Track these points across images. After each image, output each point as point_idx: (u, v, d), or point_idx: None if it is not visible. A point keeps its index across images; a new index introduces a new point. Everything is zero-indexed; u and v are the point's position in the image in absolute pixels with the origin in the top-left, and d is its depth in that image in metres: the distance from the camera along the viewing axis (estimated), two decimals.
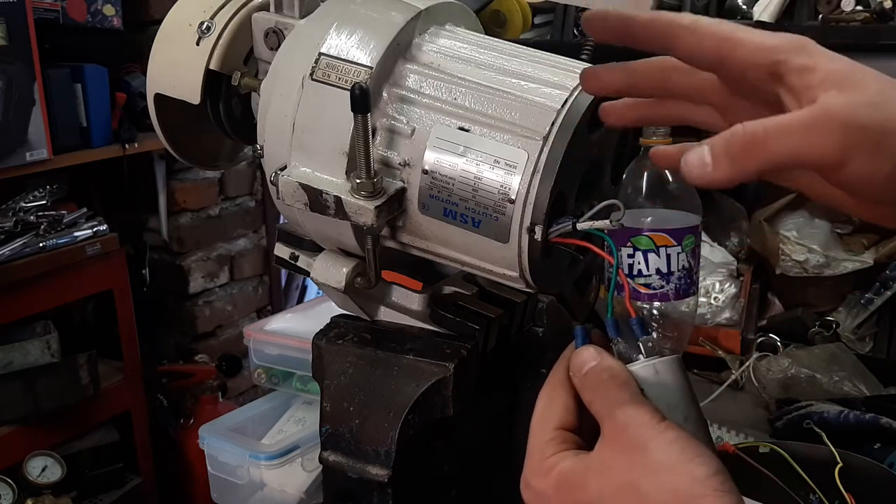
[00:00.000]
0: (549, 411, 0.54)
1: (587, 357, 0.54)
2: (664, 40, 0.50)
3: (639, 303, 1.18)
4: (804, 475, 1.00)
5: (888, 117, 0.44)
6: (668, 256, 1.10)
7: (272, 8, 0.69)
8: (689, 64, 0.52)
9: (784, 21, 1.56)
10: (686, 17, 0.50)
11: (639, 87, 0.56)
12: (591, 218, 0.58)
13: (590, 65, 0.60)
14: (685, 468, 0.46)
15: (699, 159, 0.47)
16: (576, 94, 0.59)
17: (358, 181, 0.60)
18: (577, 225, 0.58)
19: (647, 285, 1.12)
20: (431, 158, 0.60)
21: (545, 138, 0.58)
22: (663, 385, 0.53)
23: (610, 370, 0.53)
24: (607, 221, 0.58)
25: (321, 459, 0.69)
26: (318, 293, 1.88)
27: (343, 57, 0.62)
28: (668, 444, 0.48)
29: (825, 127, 0.45)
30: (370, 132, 0.59)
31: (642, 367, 0.53)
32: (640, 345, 0.55)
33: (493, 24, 1.66)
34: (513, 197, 0.58)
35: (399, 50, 0.63)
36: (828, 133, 0.44)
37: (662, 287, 1.11)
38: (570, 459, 0.51)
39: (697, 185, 0.48)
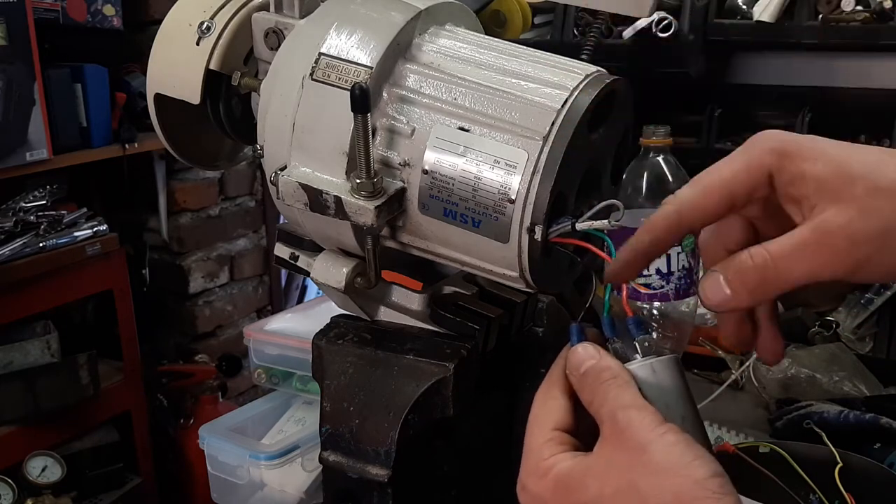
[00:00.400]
0: (545, 412, 0.54)
1: (585, 355, 0.54)
2: (676, 235, 0.53)
3: (639, 303, 1.19)
4: (804, 475, 1.00)
5: (885, 218, 0.47)
6: (668, 256, 1.10)
7: (272, 8, 0.69)
8: (706, 225, 0.54)
9: (784, 21, 1.56)
10: (670, 203, 0.52)
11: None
12: (591, 218, 0.58)
13: (590, 63, 0.60)
14: (686, 470, 0.47)
15: (717, 290, 0.50)
16: (576, 94, 0.59)
17: (358, 181, 0.60)
18: (577, 225, 0.58)
19: (647, 285, 1.12)
20: (431, 158, 0.60)
21: (545, 138, 0.58)
22: (661, 385, 0.53)
23: (610, 370, 0.53)
24: (607, 221, 0.58)
25: (321, 459, 0.69)
26: (318, 293, 1.88)
27: (343, 57, 0.62)
28: (668, 447, 0.48)
29: (831, 246, 0.47)
30: (370, 132, 0.59)
31: (639, 366, 0.53)
32: (637, 344, 0.55)
33: (493, 24, 1.66)
34: (513, 197, 0.58)
35: (399, 50, 0.63)
36: (834, 251, 0.47)
37: (662, 287, 1.11)
38: (568, 461, 0.51)
39: (717, 311, 0.52)
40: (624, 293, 0.58)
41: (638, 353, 0.55)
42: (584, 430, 0.53)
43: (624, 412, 0.50)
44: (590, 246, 0.60)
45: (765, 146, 0.51)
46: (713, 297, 0.51)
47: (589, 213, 0.58)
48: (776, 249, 0.49)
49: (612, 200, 0.59)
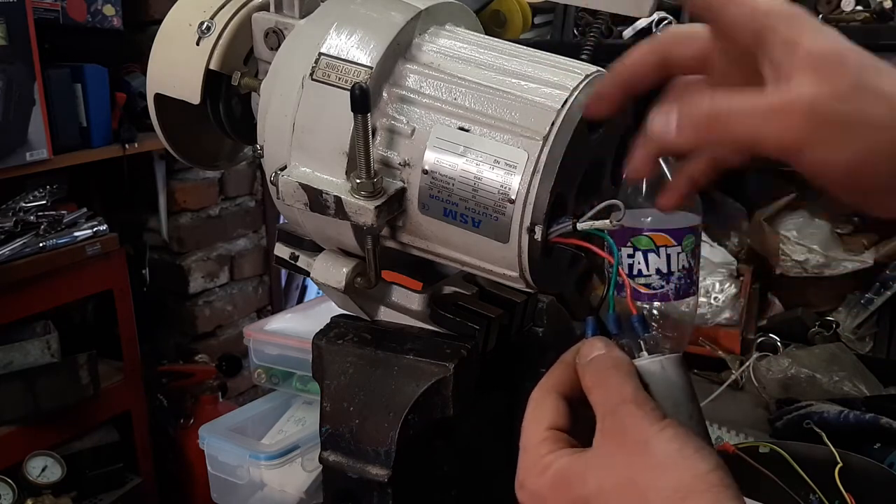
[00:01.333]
0: (540, 412, 0.54)
1: (597, 345, 0.54)
2: (658, 52, 0.54)
3: (639, 303, 1.18)
4: (804, 475, 1.00)
5: (855, 110, 0.45)
6: (668, 256, 1.10)
7: (272, 8, 0.69)
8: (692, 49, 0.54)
9: None
10: (669, 31, 0.53)
11: (642, 87, 0.56)
12: (592, 218, 0.58)
13: (594, 67, 0.60)
14: (686, 464, 0.47)
15: (664, 122, 0.49)
16: (576, 94, 0.59)
17: (358, 181, 0.60)
18: (578, 225, 0.58)
19: (647, 285, 1.12)
20: (431, 158, 0.60)
21: (545, 138, 0.58)
22: (669, 382, 0.53)
23: (615, 360, 0.53)
24: (608, 221, 0.58)
25: (321, 459, 0.69)
26: (318, 293, 1.88)
27: (343, 57, 0.62)
28: (667, 441, 0.48)
29: (787, 115, 0.46)
30: (370, 132, 0.59)
31: (650, 362, 0.53)
32: (642, 342, 0.56)
33: (493, 24, 1.66)
34: (513, 197, 0.58)
35: (399, 50, 0.63)
36: (788, 121, 0.46)
37: (662, 287, 1.11)
38: (567, 457, 0.51)
39: (658, 146, 0.50)
40: (628, 291, 0.58)
41: (643, 350, 0.55)
42: (578, 431, 0.53)
43: (624, 406, 0.50)
44: (590, 245, 0.60)
45: (774, 3, 0.49)
46: (659, 129, 0.50)
47: (590, 213, 0.58)
48: (736, 101, 0.47)
49: (613, 200, 0.59)
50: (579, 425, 0.53)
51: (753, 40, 0.49)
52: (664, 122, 0.50)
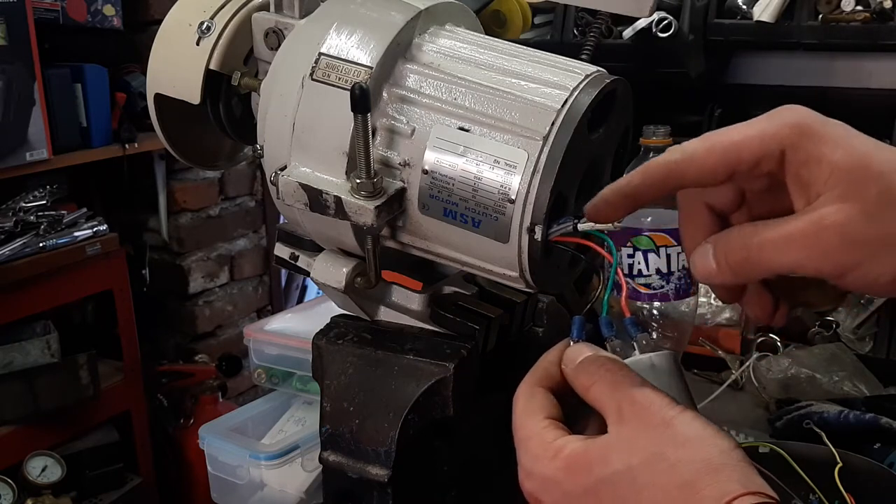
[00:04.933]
0: (533, 405, 0.54)
1: (582, 348, 0.55)
2: (670, 184, 0.51)
3: (639, 303, 1.19)
4: (804, 475, 1.00)
5: (886, 228, 0.45)
6: (668, 256, 1.10)
7: (272, 8, 0.69)
8: (703, 185, 0.52)
9: (784, 21, 1.56)
10: (675, 152, 0.50)
11: (647, 200, 0.54)
12: None
13: (592, 62, 0.60)
14: (712, 440, 0.47)
15: (704, 263, 0.50)
16: (576, 94, 0.59)
17: (358, 181, 0.60)
18: (579, 225, 0.58)
19: (647, 285, 1.12)
20: (431, 158, 0.60)
21: (545, 138, 0.58)
22: (659, 379, 0.53)
23: (608, 358, 0.53)
24: None
25: (321, 459, 0.69)
26: (318, 293, 1.88)
27: (343, 57, 0.62)
28: (690, 421, 0.48)
29: (823, 243, 0.46)
30: (370, 132, 0.59)
31: (639, 359, 0.54)
32: (635, 343, 0.56)
33: (493, 24, 1.66)
34: (513, 197, 0.58)
35: (399, 50, 0.63)
36: (825, 249, 0.46)
37: (662, 287, 1.12)
38: (579, 442, 0.51)
39: (704, 283, 0.51)
40: (623, 293, 0.58)
41: (636, 351, 0.55)
42: (567, 425, 0.54)
43: (642, 393, 0.50)
44: (591, 244, 0.60)
45: (787, 119, 0.48)
46: (700, 270, 0.50)
47: None
48: (768, 234, 0.48)
49: None
50: (567, 420, 0.54)
51: (774, 164, 0.48)
52: (704, 264, 0.50)
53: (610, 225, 0.58)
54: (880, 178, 0.46)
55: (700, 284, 1.18)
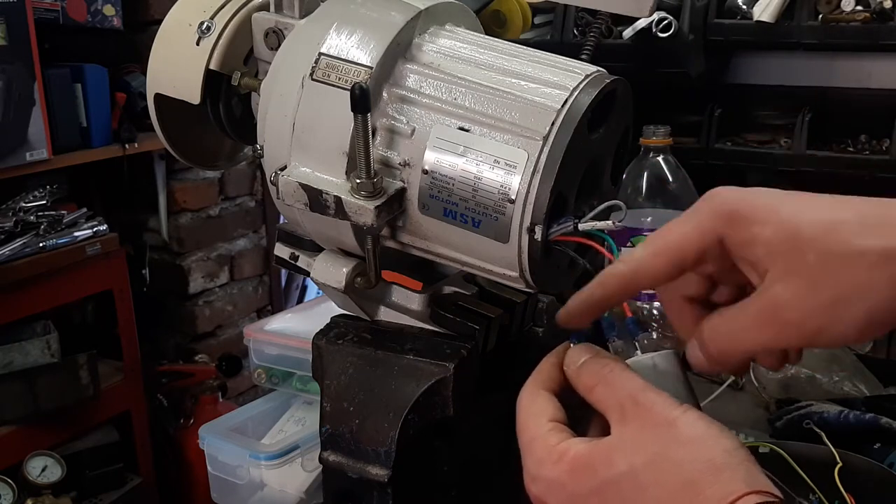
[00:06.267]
0: (537, 407, 0.54)
1: (584, 350, 0.55)
2: (629, 292, 0.53)
3: (639, 303, 1.19)
4: (804, 475, 1.00)
5: (834, 289, 0.46)
6: None
7: (272, 8, 0.69)
8: (659, 286, 0.54)
9: (784, 21, 1.56)
10: (624, 263, 0.53)
11: (611, 307, 0.57)
12: (593, 218, 0.58)
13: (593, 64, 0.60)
14: (715, 440, 0.48)
15: (696, 358, 0.53)
16: (576, 94, 0.59)
17: (358, 181, 0.60)
18: (580, 225, 0.58)
19: None
20: (431, 158, 0.60)
21: (545, 138, 0.58)
22: (662, 378, 0.54)
23: (611, 359, 0.54)
24: (609, 222, 0.58)
25: (321, 459, 0.69)
26: (318, 293, 1.88)
27: (343, 57, 0.62)
28: (693, 421, 0.49)
29: (782, 321, 0.48)
30: (370, 132, 0.59)
31: (641, 359, 0.54)
32: (636, 343, 0.56)
33: (493, 24, 1.66)
34: (513, 197, 0.58)
35: (399, 50, 0.63)
36: (785, 326, 0.47)
37: None
38: (583, 444, 0.51)
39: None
40: None
41: (638, 351, 0.56)
42: (571, 427, 0.54)
43: (643, 393, 0.50)
44: (592, 243, 0.60)
45: (714, 209, 0.50)
46: (696, 365, 0.53)
47: (591, 214, 0.58)
48: (732, 325, 0.50)
49: (615, 201, 0.59)
50: (570, 421, 0.54)
51: (717, 253, 0.50)
52: (696, 359, 0.53)
53: (610, 224, 0.58)
54: (813, 244, 0.47)
55: None
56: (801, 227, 0.47)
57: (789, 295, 0.47)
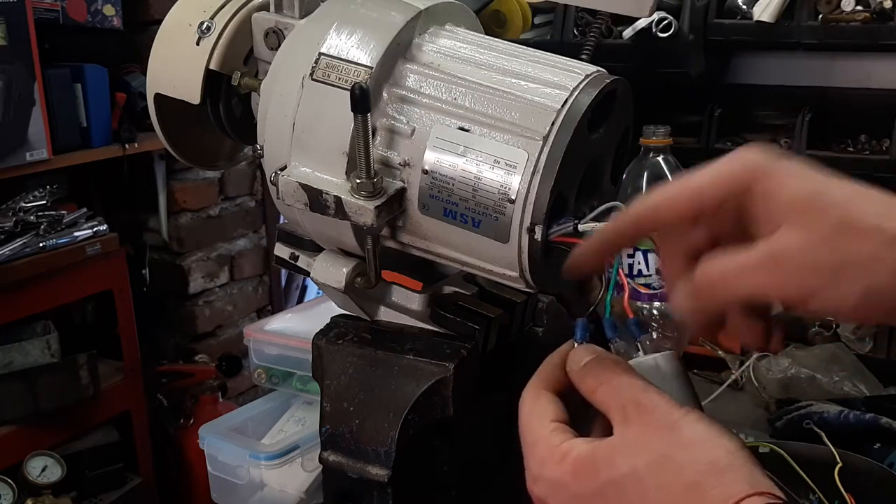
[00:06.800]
0: (540, 408, 0.54)
1: (587, 350, 0.55)
2: (644, 230, 0.54)
3: (639, 303, 1.19)
4: (804, 475, 1.00)
5: (845, 253, 0.46)
6: None
7: (272, 8, 0.69)
8: (673, 227, 0.54)
9: (784, 21, 1.56)
10: (647, 201, 0.53)
11: (618, 250, 0.58)
12: (594, 219, 0.58)
13: (593, 64, 0.60)
14: (717, 441, 0.48)
15: (677, 298, 0.52)
16: (576, 94, 0.59)
17: (358, 181, 0.60)
18: (580, 226, 0.58)
19: (647, 285, 1.12)
20: (431, 158, 0.60)
21: (545, 138, 0.58)
22: (663, 379, 0.54)
23: (614, 360, 0.54)
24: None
25: (321, 459, 0.69)
26: (318, 293, 1.88)
27: (343, 57, 0.62)
28: (695, 422, 0.49)
29: (782, 269, 0.47)
30: (370, 132, 0.59)
31: (644, 360, 0.54)
32: (639, 344, 0.56)
33: (493, 24, 1.66)
34: (513, 197, 0.58)
35: (399, 50, 0.63)
36: (784, 275, 0.47)
37: (662, 287, 1.11)
38: (586, 444, 0.51)
39: (682, 319, 0.53)
40: (625, 294, 0.58)
41: (640, 352, 0.56)
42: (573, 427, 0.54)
43: (646, 395, 0.51)
44: None
45: (747, 160, 0.50)
46: (675, 305, 0.53)
47: (592, 214, 0.58)
48: (728, 262, 0.49)
49: (615, 202, 0.59)
50: (572, 422, 0.54)
51: (736, 203, 0.50)
52: (676, 299, 0.53)
53: None
54: (837, 206, 0.47)
55: None
56: (826, 190, 0.48)
57: (799, 245, 0.47)
